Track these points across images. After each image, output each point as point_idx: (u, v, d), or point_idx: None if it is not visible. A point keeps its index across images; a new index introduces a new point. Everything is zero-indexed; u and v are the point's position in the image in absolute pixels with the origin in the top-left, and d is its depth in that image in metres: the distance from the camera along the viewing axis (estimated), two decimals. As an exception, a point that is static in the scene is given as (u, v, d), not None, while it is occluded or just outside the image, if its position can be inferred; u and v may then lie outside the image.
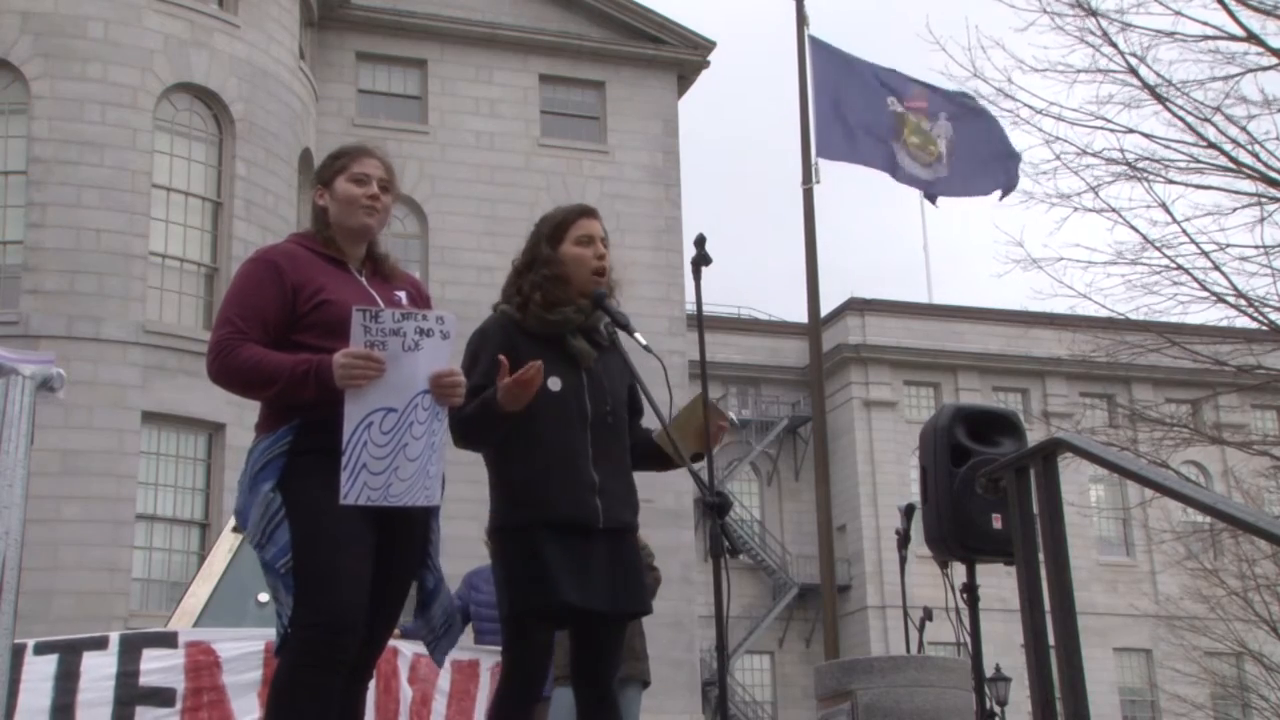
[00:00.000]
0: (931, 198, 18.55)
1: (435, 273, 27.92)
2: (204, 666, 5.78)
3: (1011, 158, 17.88)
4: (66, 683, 5.64)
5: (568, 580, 4.26)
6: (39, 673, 5.62)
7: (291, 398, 3.96)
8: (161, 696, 5.68)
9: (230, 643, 5.95)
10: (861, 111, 17.99)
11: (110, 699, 5.64)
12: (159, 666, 5.77)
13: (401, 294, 4.26)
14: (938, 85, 18.05)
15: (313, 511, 3.91)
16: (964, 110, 18.01)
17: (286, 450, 3.97)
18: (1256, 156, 13.31)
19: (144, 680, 5.71)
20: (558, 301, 4.49)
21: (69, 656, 5.76)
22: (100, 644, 5.88)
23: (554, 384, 4.40)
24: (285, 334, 4.04)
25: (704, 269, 4.67)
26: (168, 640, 5.98)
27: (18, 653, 5.39)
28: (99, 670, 5.72)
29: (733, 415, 4.59)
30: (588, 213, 4.63)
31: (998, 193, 18.06)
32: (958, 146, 18.06)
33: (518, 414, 4.22)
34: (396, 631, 5.06)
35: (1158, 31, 13.39)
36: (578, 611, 4.32)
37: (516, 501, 4.37)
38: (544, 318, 4.47)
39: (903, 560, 9.12)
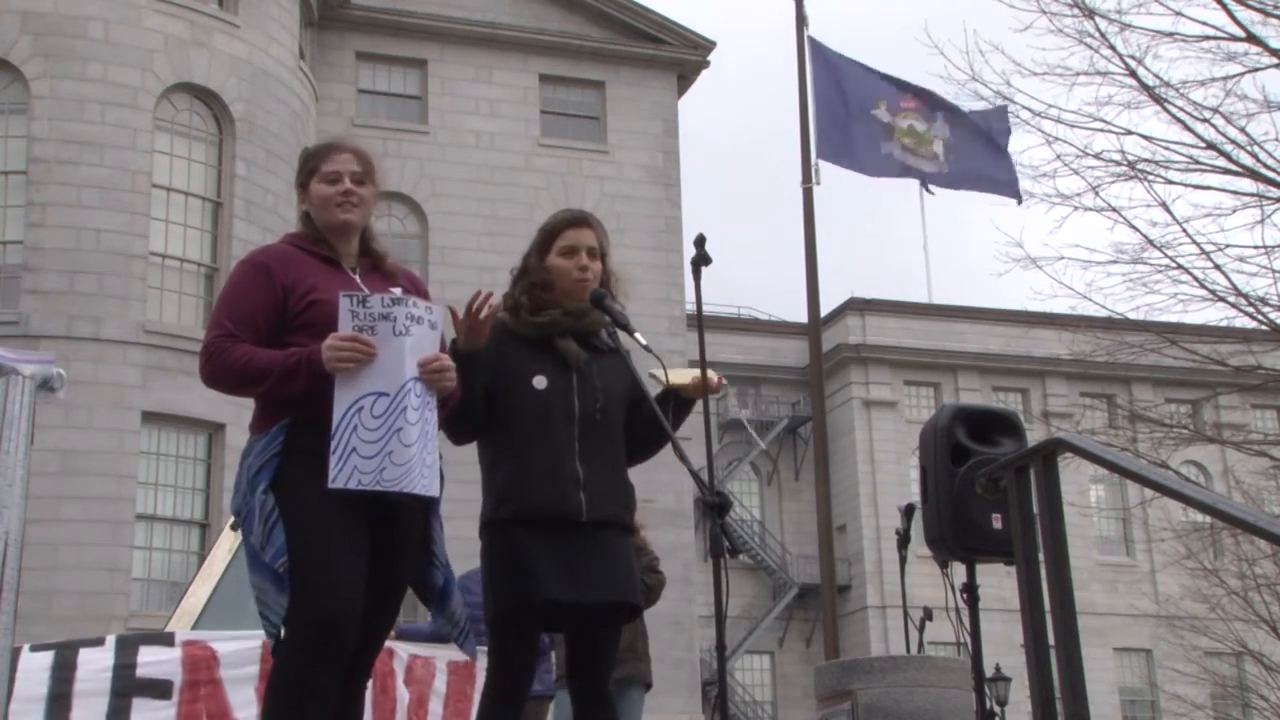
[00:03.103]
0: (928, 187, 18.62)
1: (435, 273, 27.91)
2: (201, 661, 5.78)
3: (1006, 163, 17.96)
4: (63, 673, 5.64)
5: (551, 575, 4.29)
6: (35, 665, 5.62)
7: (284, 390, 3.96)
8: (159, 689, 5.67)
9: (227, 641, 5.96)
10: (855, 117, 18.08)
11: (107, 690, 5.64)
12: (156, 660, 5.77)
13: (396, 290, 4.26)
14: (934, 92, 18.14)
15: (306, 511, 3.91)
16: (960, 117, 18.10)
17: (279, 451, 3.97)
18: (1256, 157, 13.31)
19: (141, 673, 5.71)
20: (543, 306, 4.55)
21: (65, 652, 5.76)
22: (97, 643, 5.89)
23: (539, 382, 4.45)
24: (277, 335, 4.06)
25: (704, 269, 4.69)
26: (165, 639, 5.99)
27: (13, 653, 5.37)
28: (96, 663, 5.72)
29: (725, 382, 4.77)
30: (575, 222, 4.64)
31: (1003, 196, 18.15)
32: (956, 146, 18.12)
33: (477, 352, 4.28)
34: (392, 634, 5.06)
35: (1157, 32, 13.39)
36: (564, 608, 4.33)
37: (501, 498, 4.41)
38: (531, 322, 4.53)
39: (903, 560, 9.12)
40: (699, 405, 4.88)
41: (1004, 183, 18.29)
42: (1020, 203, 18.04)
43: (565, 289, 4.55)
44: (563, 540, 4.34)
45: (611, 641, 4.51)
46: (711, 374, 4.63)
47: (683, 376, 4.66)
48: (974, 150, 18.27)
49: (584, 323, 4.55)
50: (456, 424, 4.43)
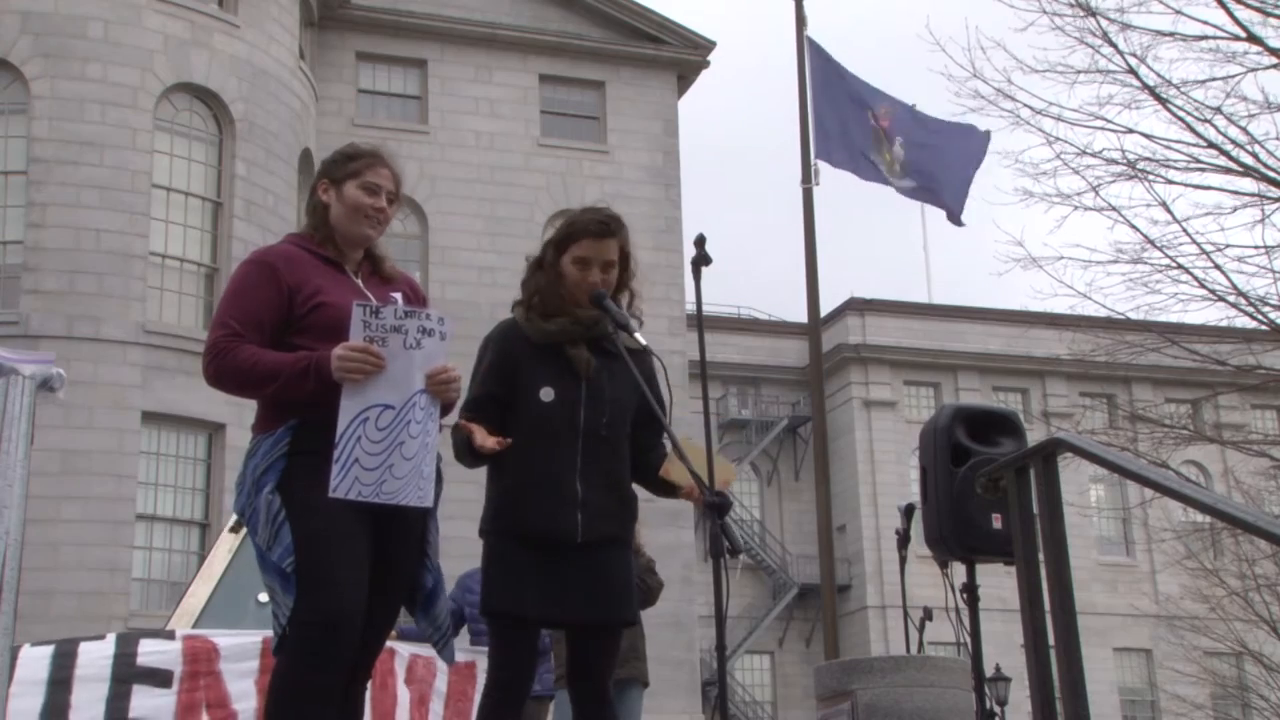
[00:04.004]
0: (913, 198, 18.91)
1: (435, 273, 27.92)
2: (201, 653, 5.80)
3: (960, 186, 18.35)
4: (63, 660, 5.66)
5: (536, 592, 4.27)
6: (35, 655, 5.64)
7: (291, 394, 3.96)
8: (159, 677, 5.69)
9: (228, 636, 5.98)
10: (850, 117, 18.19)
11: (108, 676, 5.65)
12: (156, 650, 5.79)
13: (397, 295, 4.25)
14: (906, 106, 18.43)
15: (312, 512, 3.91)
16: (924, 131, 18.37)
17: (286, 452, 3.97)
18: (1256, 157, 13.32)
19: (141, 661, 5.72)
20: (555, 311, 4.47)
21: (66, 645, 5.79)
22: (97, 638, 5.92)
23: (546, 394, 4.38)
24: (282, 336, 4.05)
25: (704, 269, 4.65)
26: (165, 634, 6.02)
27: (13, 652, 5.39)
28: (96, 652, 5.74)
29: (733, 468, 4.47)
30: (597, 233, 4.47)
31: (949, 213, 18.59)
32: (911, 166, 18.39)
33: (491, 456, 4.24)
34: (393, 634, 5.07)
35: (1157, 32, 13.40)
36: (554, 623, 4.33)
37: (498, 511, 4.39)
38: (543, 328, 4.45)
39: (903, 560, 9.12)
40: (698, 404, 4.85)
41: (949, 209, 18.65)
42: (962, 226, 18.66)
43: (574, 298, 4.47)
44: (556, 558, 4.31)
45: (612, 646, 4.49)
46: (722, 479, 4.28)
47: (687, 465, 4.30)
48: (928, 172, 18.56)
49: (596, 330, 4.47)
50: (469, 463, 4.39)
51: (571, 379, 4.42)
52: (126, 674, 5.66)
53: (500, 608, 4.31)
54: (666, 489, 4.45)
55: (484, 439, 4.16)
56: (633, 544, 4.64)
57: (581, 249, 4.46)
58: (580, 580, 4.32)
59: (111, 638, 5.89)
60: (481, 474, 4.50)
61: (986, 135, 17.96)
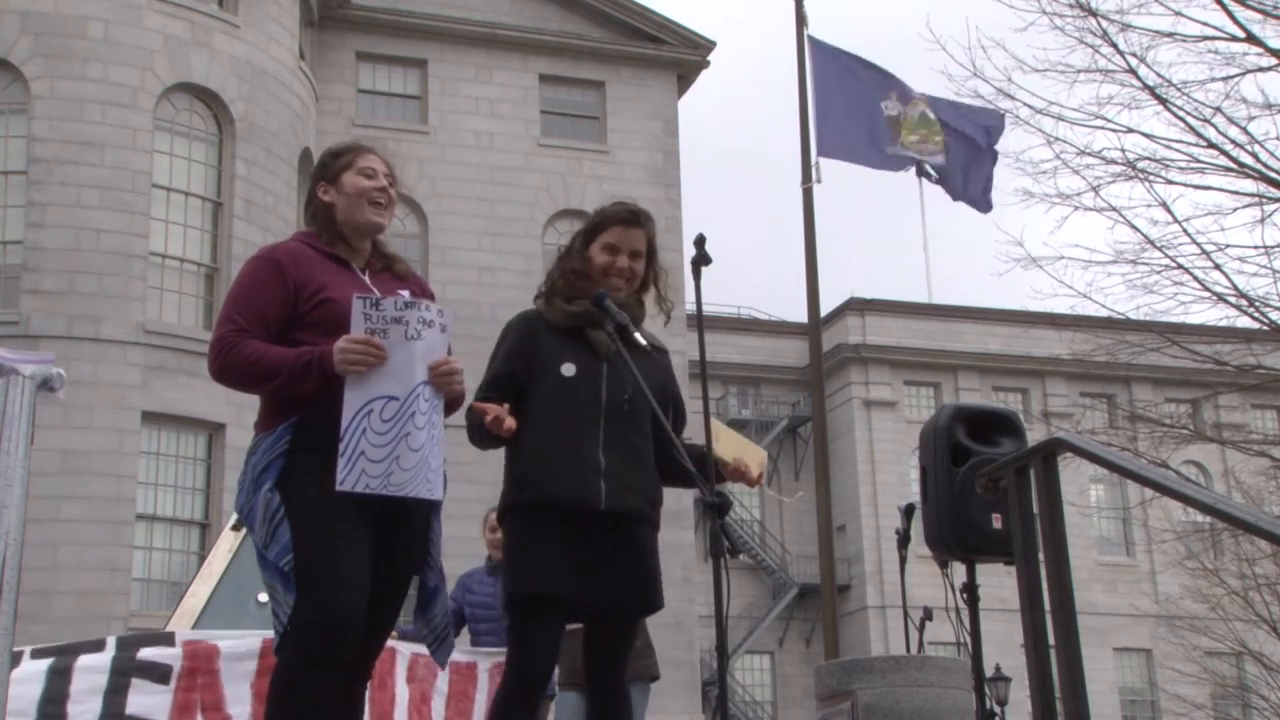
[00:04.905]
0: (929, 175, 18.83)
1: (435, 273, 27.91)
2: (200, 652, 5.82)
3: (986, 171, 18.31)
4: (64, 657, 5.70)
5: (566, 571, 4.26)
6: (35, 662, 5.67)
7: (294, 390, 3.96)
8: (157, 672, 5.71)
9: (229, 639, 5.99)
10: (859, 111, 18.12)
11: (107, 668, 5.68)
12: (156, 651, 5.81)
13: (404, 293, 4.26)
14: (936, 97, 18.36)
15: (311, 510, 3.91)
16: (956, 120, 18.32)
17: (286, 449, 3.97)
18: (1256, 157, 13.31)
19: (141, 657, 5.75)
20: (578, 295, 4.51)
21: (64, 652, 5.81)
22: (97, 645, 5.93)
23: (567, 370, 4.41)
24: (287, 332, 4.06)
25: (704, 269, 4.67)
26: (165, 639, 6.03)
27: (14, 656, 5.41)
28: (96, 654, 5.77)
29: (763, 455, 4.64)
30: (625, 221, 4.57)
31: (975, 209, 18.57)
32: (951, 148, 18.30)
33: (504, 437, 4.26)
34: (394, 633, 5.07)
35: (1157, 32, 13.40)
36: (581, 602, 4.31)
37: (521, 482, 4.38)
38: (565, 310, 4.50)
39: (903, 560, 9.11)
40: (698, 404, 4.87)
41: (976, 199, 18.63)
42: (988, 212, 18.62)
43: (599, 285, 4.51)
44: (582, 533, 4.29)
45: (629, 637, 4.49)
46: (753, 465, 4.55)
47: (732, 448, 4.52)
48: (963, 158, 18.51)
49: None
50: (483, 445, 4.39)
51: (592, 357, 4.45)
52: (125, 667, 5.70)
53: (526, 589, 4.28)
54: (681, 480, 4.53)
55: (497, 414, 4.17)
56: (658, 529, 4.64)
57: (611, 236, 4.55)
58: (606, 558, 4.31)
59: (111, 643, 5.91)
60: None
61: (1000, 116, 17.75)
